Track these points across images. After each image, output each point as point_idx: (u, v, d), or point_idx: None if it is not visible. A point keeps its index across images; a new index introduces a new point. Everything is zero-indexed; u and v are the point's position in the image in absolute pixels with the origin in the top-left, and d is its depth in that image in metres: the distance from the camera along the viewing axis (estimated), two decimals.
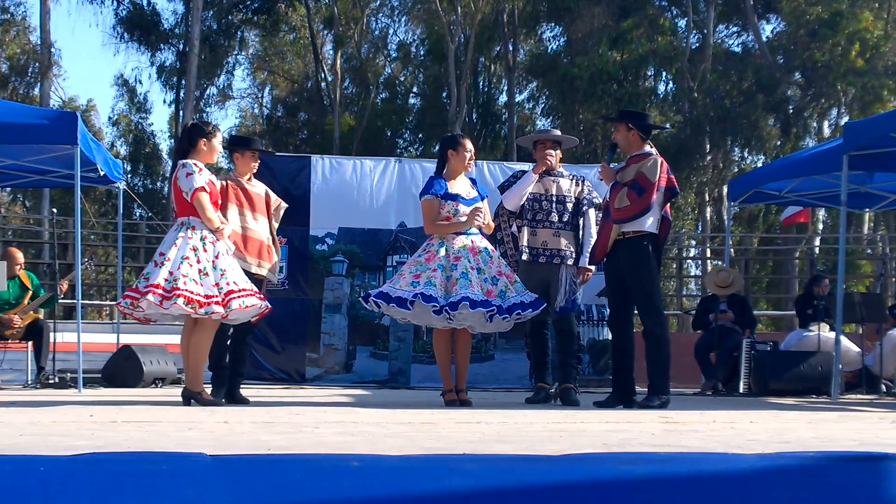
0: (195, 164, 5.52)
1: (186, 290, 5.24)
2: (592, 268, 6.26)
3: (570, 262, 6.13)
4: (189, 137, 5.64)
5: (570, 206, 6.18)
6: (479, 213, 5.78)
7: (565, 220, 6.15)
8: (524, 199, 6.16)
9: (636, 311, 6.05)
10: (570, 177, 6.33)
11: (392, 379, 8.84)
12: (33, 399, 6.17)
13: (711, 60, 23.56)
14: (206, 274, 5.36)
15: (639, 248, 5.74)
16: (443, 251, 5.70)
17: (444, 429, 3.78)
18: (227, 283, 5.41)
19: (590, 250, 6.12)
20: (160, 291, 5.23)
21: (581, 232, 6.25)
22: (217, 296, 5.33)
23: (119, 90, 29.00)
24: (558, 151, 6.34)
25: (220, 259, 5.46)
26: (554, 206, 6.11)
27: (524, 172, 6.37)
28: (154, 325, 7.15)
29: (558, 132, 6.63)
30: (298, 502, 2.26)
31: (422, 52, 27.95)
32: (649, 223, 5.74)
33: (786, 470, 2.52)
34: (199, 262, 5.37)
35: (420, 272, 5.64)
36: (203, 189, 5.46)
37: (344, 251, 8.96)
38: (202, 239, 5.43)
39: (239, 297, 5.41)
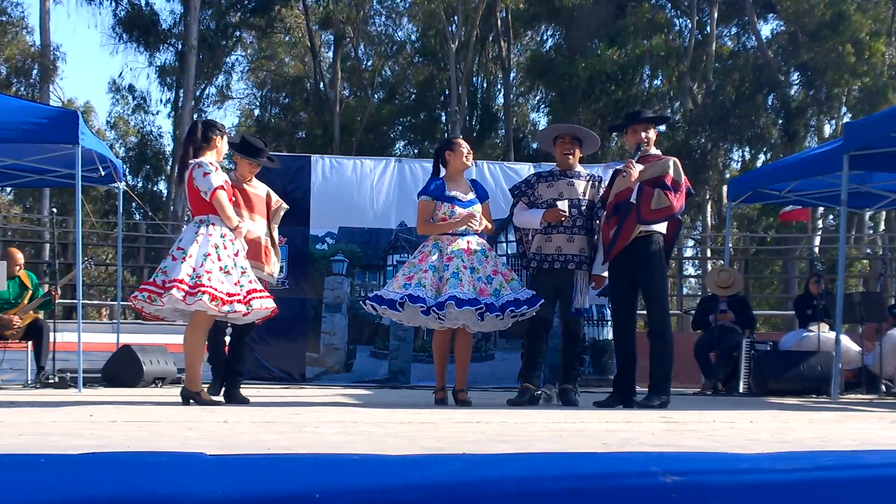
0: (210, 163, 5.51)
1: (211, 287, 5.22)
2: (606, 275, 6.10)
3: (584, 267, 6.05)
4: (204, 134, 5.59)
5: (584, 209, 6.08)
6: (472, 219, 5.81)
7: (579, 224, 6.04)
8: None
9: (642, 311, 6.03)
10: (587, 177, 6.20)
11: (392, 378, 8.84)
12: (33, 399, 6.16)
13: (711, 59, 23.56)
14: (228, 272, 5.36)
15: (651, 247, 5.74)
16: (436, 252, 5.76)
17: (444, 428, 3.78)
18: (249, 282, 5.43)
19: (605, 250, 5.96)
20: (184, 287, 5.20)
21: (595, 235, 6.12)
22: (238, 294, 5.33)
23: (114, 95, 29.03)
24: (577, 151, 6.19)
25: (240, 257, 5.48)
26: (568, 210, 6.01)
27: (538, 175, 6.30)
28: (154, 325, 7.13)
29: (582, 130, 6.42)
30: (298, 502, 2.26)
31: (420, 53, 27.94)
32: (662, 222, 5.77)
33: (786, 470, 2.52)
34: (220, 259, 5.35)
35: (412, 273, 5.71)
36: (222, 188, 5.46)
37: (344, 251, 8.96)
38: (222, 237, 5.43)
39: (260, 297, 5.44)
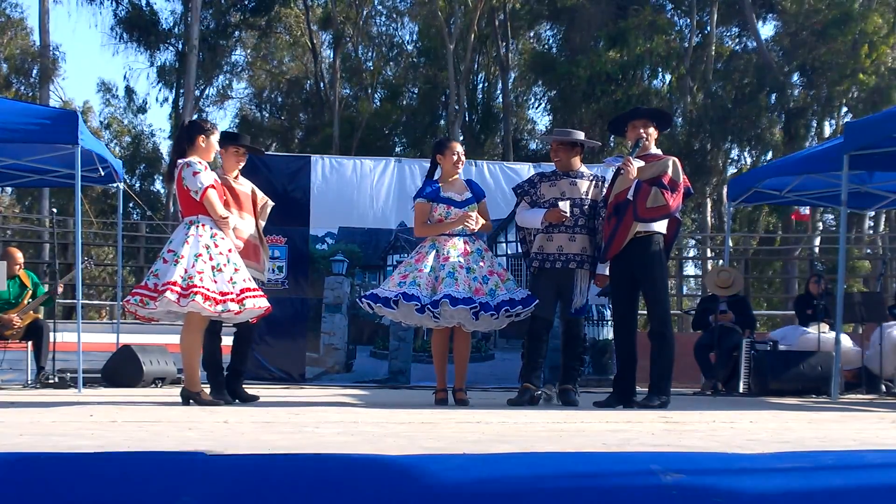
0: (199, 162, 5.51)
1: (203, 288, 5.23)
2: (607, 274, 6.08)
3: (586, 266, 6.05)
4: (189, 135, 5.62)
5: (586, 209, 6.07)
6: (469, 219, 5.83)
7: (581, 223, 6.04)
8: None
9: (643, 311, 6.01)
10: (590, 178, 6.20)
11: (392, 378, 8.83)
12: (33, 399, 6.16)
13: (712, 60, 23.54)
14: (220, 270, 5.36)
15: (651, 247, 5.73)
16: (433, 252, 5.81)
17: (444, 428, 3.78)
18: (243, 280, 5.43)
19: (603, 250, 5.95)
20: (177, 289, 5.20)
21: (598, 235, 6.10)
22: (232, 293, 5.34)
23: (104, 95, 29.05)
24: (565, 155, 6.17)
25: (232, 255, 5.48)
26: (570, 210, 6.00)
27: (541, 175, 6.30)
28: (154, 325, 7.10)
29: (581, 134, 6.44)
30: (298, 501, 2.26)
31: (419, 53, 27.94)
32: (661, 222, 5.76)
33: (786, 470, 2.52)
34: (211, 259, 5.36)
35: (408, 272, 5.78)
36: (213, 186, 5.47)
37: (344, 251, 8.96)
38: (212, 236, 5.43)
39: (253, 296, 5.44)
